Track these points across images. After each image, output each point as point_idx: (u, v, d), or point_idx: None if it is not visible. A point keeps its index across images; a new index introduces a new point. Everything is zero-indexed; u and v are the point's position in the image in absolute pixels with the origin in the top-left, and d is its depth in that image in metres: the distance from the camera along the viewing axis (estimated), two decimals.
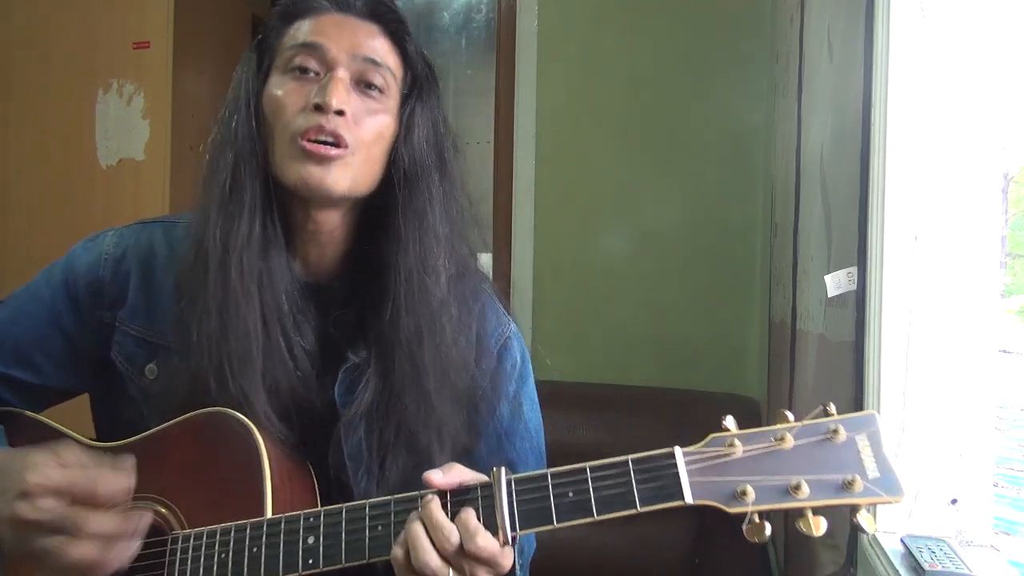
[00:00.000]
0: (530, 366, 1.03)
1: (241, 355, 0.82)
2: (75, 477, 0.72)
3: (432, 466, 0.79)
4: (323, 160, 0.81)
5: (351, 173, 0.83)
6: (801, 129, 1.59)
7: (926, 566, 0.86)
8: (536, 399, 1.04)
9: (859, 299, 1.05)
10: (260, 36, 0.90)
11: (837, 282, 1.13)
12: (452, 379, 0.89)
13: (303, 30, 0.86)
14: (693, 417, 2.00)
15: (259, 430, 0.81)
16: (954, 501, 0.96)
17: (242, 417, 0.81)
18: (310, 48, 0.84)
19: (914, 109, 0.97)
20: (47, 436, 0.89)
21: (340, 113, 0.81)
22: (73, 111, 2.36)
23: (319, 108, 0.81)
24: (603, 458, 0.73)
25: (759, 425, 0.72)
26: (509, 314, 1.00)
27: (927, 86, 0.97)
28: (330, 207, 0.87)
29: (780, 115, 1.92)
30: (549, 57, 2.42)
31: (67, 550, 0.71)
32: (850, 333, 1.09)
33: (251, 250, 0.83)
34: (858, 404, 1.03)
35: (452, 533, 0.70)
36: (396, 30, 0.88)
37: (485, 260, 2.41)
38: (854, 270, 1.07)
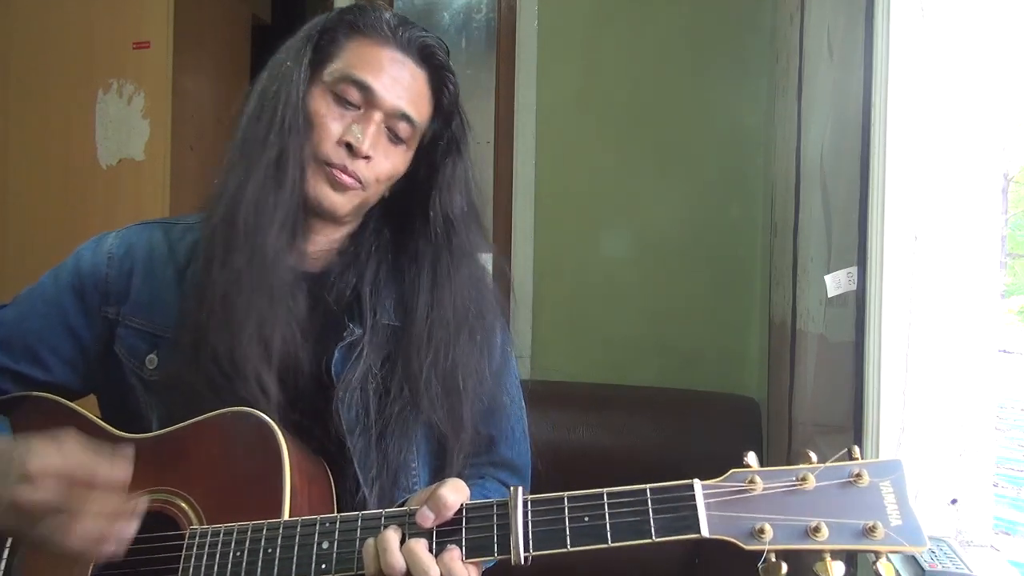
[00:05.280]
0: (511, 350, 1.07)
1: (250, 326, 0.86)
2: (75, 462, 0.74)
3: (443, 447, 0.90)
4: (340, 188, 0.91)
5: (358, 200, 0.93)
6: (801, 129, 1.59)
7: (926, 566, 0.86)
8: (519, 385, 1.08)
9: (859, 299, 1.05)
10: (324, 27, 0.93)
11: (837, 282, 1.13)
12: (443, 343, 0.94)
13: (362, 59, 0.91)
14: (693, 417, 2.01)
15: (281, 431, 0.83)
16: (954, 501, 0.97)
17: (265, 417, 0.83)
18: (361, 87, 0.90)
19: (914, 109, 0.97)
20: (69, 420, 0.91)
21: (366, 157, 0.90)
22: (73, 111, 2.36)
23: (350, 148, 0.90)
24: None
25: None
26: (496, 303, 1.05)
27: (927, 86, 0.97)
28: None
29: (780, 115, 1.92)
30: (549, 57, 2.42)
31: (69, 527, 0.73)
32: (850, 333, 1.09)
33: (277, 230, 0.88)
34: (858, 404, 1.03)
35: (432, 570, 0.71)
36: (439, 79, 0.95)
37: (485, 260, 2.40)
38: (854, 270, 1.07)
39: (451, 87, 0.96)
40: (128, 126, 2.34)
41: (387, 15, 0.93)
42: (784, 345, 1.72)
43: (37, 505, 0.72)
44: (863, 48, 1.06)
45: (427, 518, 0.73)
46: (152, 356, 0.93)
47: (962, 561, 0.87)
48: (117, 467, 0.76)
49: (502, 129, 2.49)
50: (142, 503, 0.78)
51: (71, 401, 0.96)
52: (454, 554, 0.72)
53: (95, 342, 0.95)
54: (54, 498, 0.72)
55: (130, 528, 0.76)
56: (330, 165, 0.90)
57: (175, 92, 2.32)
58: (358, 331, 0.93)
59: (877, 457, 0.97)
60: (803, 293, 1.52)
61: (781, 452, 1.72)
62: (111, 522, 0.75)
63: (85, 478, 0.74)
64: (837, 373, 1.19)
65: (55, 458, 0.74)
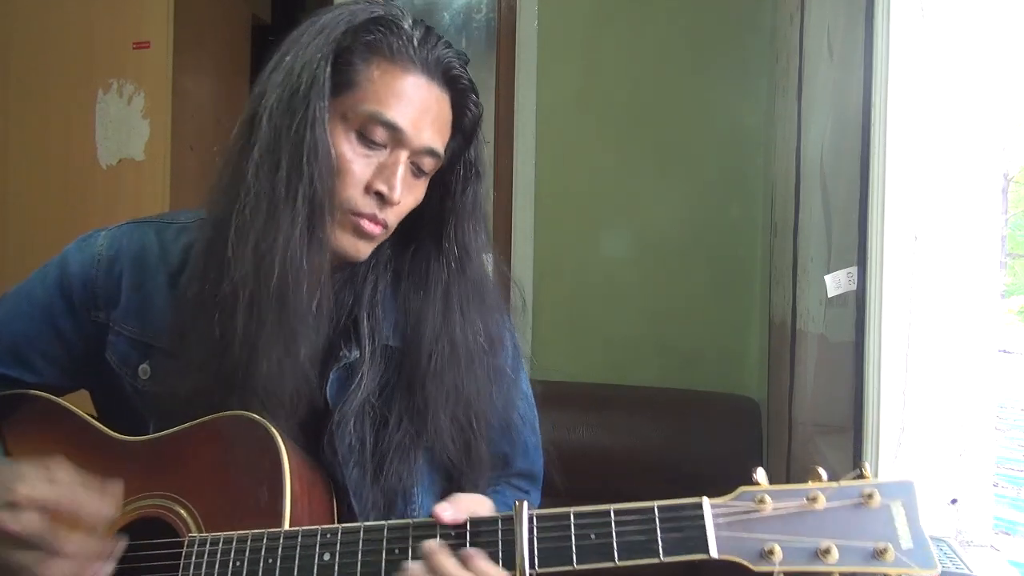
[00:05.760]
0: (522, 361, 1.04)
1: (272, 372, 0.81)
2: (62, 495, 0.73)
3: (444, 472, 0.82)
4: (368, 237, 0.86)
5: (380, 241, 0.88)
6: (801, 129, 1.59)
7: None
8: (531, 395, 1.05)
9: (859, 299, 1.05)
10: (340, 45, 0.82)
11: (837, 282, 1.13)
12: (456, 377, 0.90)
13: (388, 91, 0.83)
14: (693, 417, 2.01)
15: (280, 436, 0.80)
16: (954, 501, 0.97)
17: (266, 423, 0.81)
18: (390, 128, 0.83)
19: (914, 109, 0.97)
20: (65, 421, 0.90)
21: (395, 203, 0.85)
22: (73, 111, 2.36)
23: (381, 196, 0.84)
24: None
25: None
26: (508, 311, 1.02)
27: (927, 86, 0.97)
28: None
29: (780, 115, 1.92)
30: (549, 57, 2.42)
31: (42, 566, 0.72)
32: (850, 333, 1.09)
33: (313, 278, 0.82)
34: (858, 404, 1.03)
35: None
36: (462, 101, 0.91)
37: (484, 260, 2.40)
38: (854, 270, 1.07)
39: (474, 108, 0.91)
40: (128, 126, 2.34)
41: (407, 27, 0.85)
42: (784, 345, 1.72)
43: (17, 534, 0.71)
44: (863, 48, 1.06)
45: (445, 508, 0.73)
46: (145, 366, 0.89)
47: (962, 561, 0.87)
48: (104, 504, 0.75)
49: (502, 129, 2.49)
50: (121, 545, 0.77)
51: (62, 396, 0.94)
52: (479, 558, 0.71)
53: (84, 344, 0.91)
54: (35, 531, 0.71)
55: (106, 570, 0.75)
56: (357, 214, 0.83)
57: (175, 92, 2.32)
58: (354, 353, 0.89)
59: (877, 461, 0.97)
60: (803, 293, 1.52)
61: (781, 452, 1.72)
62: (84, 567, 0.74)
63: (70, 514, 0.73)
64: (837, 373, 1.19)
65: (42, 489, 0.72)
